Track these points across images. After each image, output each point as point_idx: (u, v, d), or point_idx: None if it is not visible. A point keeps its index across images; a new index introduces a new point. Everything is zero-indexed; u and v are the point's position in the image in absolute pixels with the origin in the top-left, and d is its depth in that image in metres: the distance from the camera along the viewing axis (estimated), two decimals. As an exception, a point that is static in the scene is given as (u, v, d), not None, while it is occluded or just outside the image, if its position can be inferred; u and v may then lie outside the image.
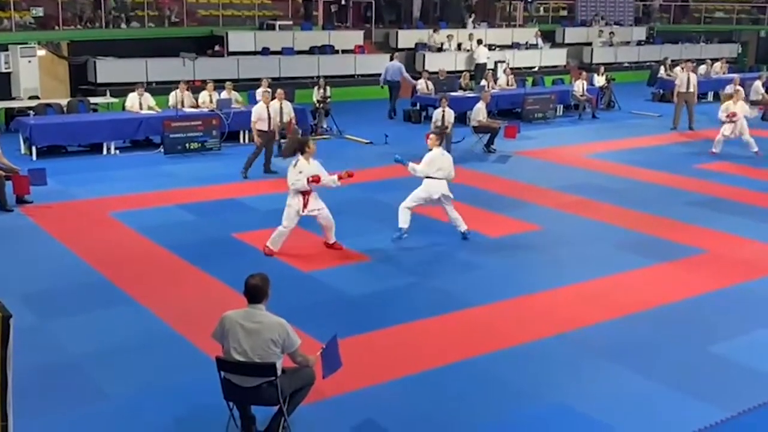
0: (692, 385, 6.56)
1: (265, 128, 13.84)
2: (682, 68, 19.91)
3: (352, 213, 11.06)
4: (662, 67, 25.57)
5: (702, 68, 25.99)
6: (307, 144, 9.40)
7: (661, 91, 24.88)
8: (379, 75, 21.78)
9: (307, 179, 9.23)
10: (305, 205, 9.40)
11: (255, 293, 5.35)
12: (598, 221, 11.40)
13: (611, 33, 30.41)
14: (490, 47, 26.14)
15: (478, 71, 23.92)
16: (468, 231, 10.16)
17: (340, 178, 9.47)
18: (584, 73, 22.05)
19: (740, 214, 11.86)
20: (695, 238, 10.59)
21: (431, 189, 9.94)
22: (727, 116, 16.09)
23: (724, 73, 25.85)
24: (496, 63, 24.46)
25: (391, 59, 22.10)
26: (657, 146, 17.46)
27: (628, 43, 31.27)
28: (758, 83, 21.38)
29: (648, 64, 29.69)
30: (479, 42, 25.35)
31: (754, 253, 10.07)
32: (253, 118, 13.88)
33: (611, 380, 6.67)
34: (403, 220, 9.98)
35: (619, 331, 7.64)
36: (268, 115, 13.82)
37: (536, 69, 27.08)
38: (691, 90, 19.38)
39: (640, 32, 32.46)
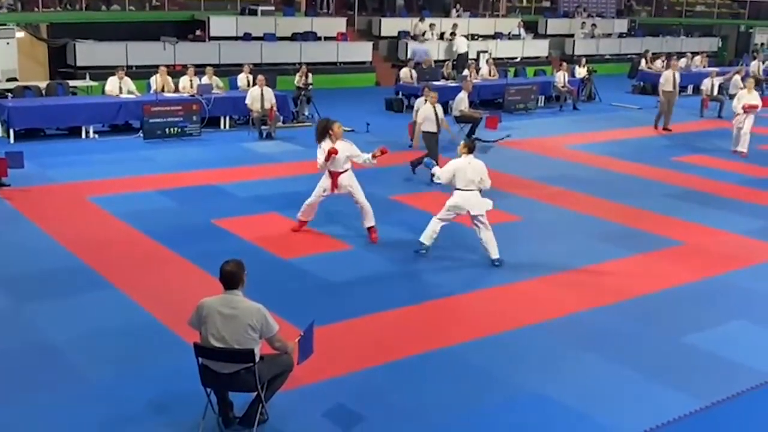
0: (667, 375, 6.63)
1: (434, 129, 12.56)
2: (664, 63, 19.57)
3: (334, 201, 11.03)
4: (643, 60, 25.71)
5: (682, 61, 26.19)
6: (329, 127, 9.48)
7: (642, 83, 25.05)
8: (362, 63, 21.95)
9: (327, 152, 9.28)
10: (335, 185, 9.57)
11: (230, 279, 5.35)
12: (577, 212, 11.46)
13: (593, 25, 30.51)
14: (473, 37, 26.16)
15: (459, 61, 23.94)
16: (499, 260, 9.00)
17: (374, 156, 9.57)
18: (566, 65, 22.12)
19: (717, 206, 11.98)
20: (673, 229, 10.68)
21: (459, 201, 8.96)
22: (745, 108, 15.38)
23: (704, 67, 26.04)
24: (478, 53, 24.49)
25: (417, 44, 23.29)
26: (636, 138, 17.56)
27: (609, 35, 31.40)
28: (737, 77, 21.53)
29: (629, 56, 29.83)
30: (453, 34, 25.38)
31: (730, 246, 10.17)
32: (418, 119, 12.74)
33: (587, 369, 6.73)
34: (427, 236, 9.15)
35: (595, 321, 7.70)
36: (436, 114, 12.56)
37: (518, 59, 27.12)
38: (675, 89, 18.44)
39: (621, 24, 32.61)
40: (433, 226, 9.15)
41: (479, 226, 9.00)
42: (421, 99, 15.71)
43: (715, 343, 7.27)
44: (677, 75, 18.48)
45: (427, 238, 9.16)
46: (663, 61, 25.74)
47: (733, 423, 6.04)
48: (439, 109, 12.76)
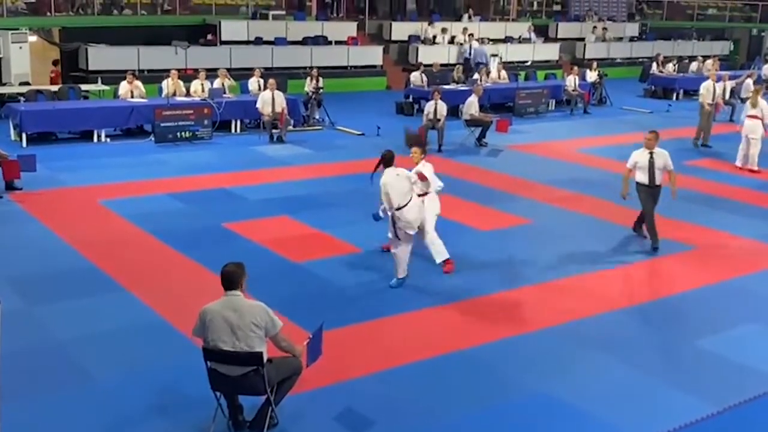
0: (679, 379, 6.60)
1: (645, 181, 9.89)
2: (675, 66, 18.44)
3: (343, 204, 11.07)
4: (654, 64, 25.63)
5: (694, 65, 26.10)
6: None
7: (653, 87, 24.96)
8: (373, 66, 22.15)
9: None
10: None
11: (231, 279, 5.38)
12: (588, 216, 11.43)
13: (604, 28, 30.46)
14: (483, 41, 26.16)
15: (469, 64, 23.96)
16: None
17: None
18: (576, 68, 22.08)
19: (729, 210, 11.92)
20: (684, 234, 10.64)
21: (410, 218, 8.16)
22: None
23: (716, 71, 25.91)
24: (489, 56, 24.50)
25: (478, 44, 24.08)
26: (648, 142, 17.45)
27: (620, 38, 31.33)
28: (749, 81, 21.42)
29: (640, 60, 29.75)
30: (470, 35, 25.42)
31: (741, 250, 10.12)
32: (629, 164, 10.10)
33: (599, 372, 6.71)
34: (401, 269, 8.40)
35: (607, 325, 7.67)
36: (651, 162, 9.83)
37: (529, 63, 27.10)
38: (717, 101, 17.35)
39: (632, 28, 32.56)
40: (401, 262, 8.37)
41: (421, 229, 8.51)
42: (431, 102, 15.73)
43: (728, 348, 7.22)
44: (716, 85, 17.42)
45: (401, 271, 8.41)
46: (674, 65, 25.67)
47: (745, 428, 6.00)
48: (660, 155, 9.91)
